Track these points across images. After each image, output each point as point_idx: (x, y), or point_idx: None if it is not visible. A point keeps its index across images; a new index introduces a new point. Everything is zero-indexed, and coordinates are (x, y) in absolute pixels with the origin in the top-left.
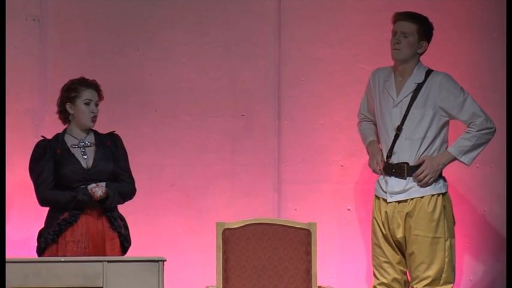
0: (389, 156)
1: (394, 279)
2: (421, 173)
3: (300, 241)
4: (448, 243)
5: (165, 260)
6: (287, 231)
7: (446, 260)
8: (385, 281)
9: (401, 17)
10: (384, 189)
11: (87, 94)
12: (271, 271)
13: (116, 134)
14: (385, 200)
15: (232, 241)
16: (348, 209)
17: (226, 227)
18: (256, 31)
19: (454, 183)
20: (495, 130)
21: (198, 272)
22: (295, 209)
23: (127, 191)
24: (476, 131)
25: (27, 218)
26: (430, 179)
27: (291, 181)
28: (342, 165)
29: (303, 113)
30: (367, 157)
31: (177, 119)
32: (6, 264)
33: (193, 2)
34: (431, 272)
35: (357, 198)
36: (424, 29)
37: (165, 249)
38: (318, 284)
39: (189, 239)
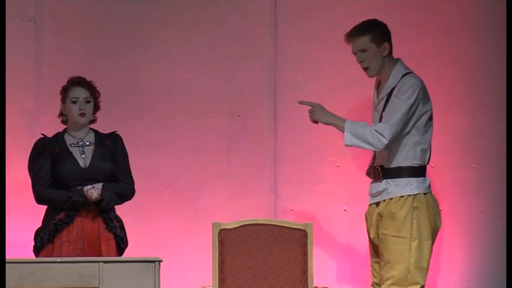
0: (373, 160)
1: None
2: (310, 112)
3: (296, 242)
4: (415, 243)
5: (161, 261)
6: (283, 231)
7: (412, 260)
8: (375, 280)
9: (350, 37)
10: (368, 192)
11: (73, 92)
12: (267, 272)
13: (117, 134)
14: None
15: (228, 242)
16: (344, 210)
17: (222, 227)
18: (252, 32)
19: (450, 183)
20: (381, 147)
21: (194, 273)
22: (292, 210)
23: (125, 192)
24: (374, 129)
25: (23, 218)
26: (313, 118)
27: (287, 182)
28: (338, 166)
29: (299, 114)
30: (363, 158)
31: (173, 119)
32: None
33: (189, 3)
34: (395, 271)
35: (353, 198)
36: (376, 33)
37: (161, 249)
38: (314, 285)
39: (185, 239)
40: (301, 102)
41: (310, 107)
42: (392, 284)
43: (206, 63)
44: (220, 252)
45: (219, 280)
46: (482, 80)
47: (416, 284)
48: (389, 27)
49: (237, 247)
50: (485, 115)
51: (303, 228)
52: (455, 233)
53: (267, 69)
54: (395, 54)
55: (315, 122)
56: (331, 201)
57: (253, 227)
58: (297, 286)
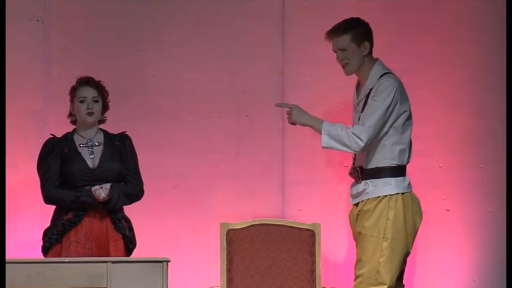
0: (354, 161)
1: None
2: (288, 113)
3: (304, 242)
4: (385, 243)
5: (169, 261)
6: (291, 231)
7: (381, 260)
8: None
9: (331, 35)
10: (349, 193)
11: (81, 92)
12: (275, 272)
13: (126, 135)
14: None
15: (236, 242)
16: None
17: (230, 227)
18: (260, 31)
19: (458, 183)
20: (358, 150)
21: (202, 273)
22: (299, 210)
23: (133, 192)
24: (351, 131)
25: (32, 218)
26: (290, 120)
27: (294, 181)
28: (345, 166)
29: None
30: None
31: (180, 119)
32: (10, 264)
33: (195, 3)
34: (364, 269)
35: None
36: (357, 32)
37: (169, 249)
38: (322, 285)
39: (193, 239)
40: (278, 105)
41: (288, 109)
42: (360, 283)
43: (213, 63)
44: (228, 252)
45: (227, 280)
46: (491, 80)
47: (383, 284)
48: (397, 27)
49: (244, 247)
50: (493, 115)
51: (311, 229)
52: (463, 233)
53: (274, 69)
54: (403, 54)
55: (293, 123)
56: (338, 201)
57: (261, 227)
58: (305, 286)
